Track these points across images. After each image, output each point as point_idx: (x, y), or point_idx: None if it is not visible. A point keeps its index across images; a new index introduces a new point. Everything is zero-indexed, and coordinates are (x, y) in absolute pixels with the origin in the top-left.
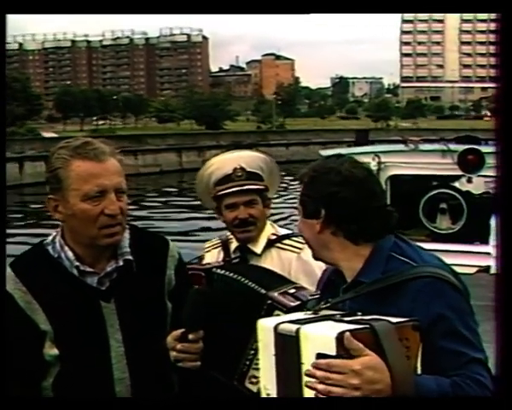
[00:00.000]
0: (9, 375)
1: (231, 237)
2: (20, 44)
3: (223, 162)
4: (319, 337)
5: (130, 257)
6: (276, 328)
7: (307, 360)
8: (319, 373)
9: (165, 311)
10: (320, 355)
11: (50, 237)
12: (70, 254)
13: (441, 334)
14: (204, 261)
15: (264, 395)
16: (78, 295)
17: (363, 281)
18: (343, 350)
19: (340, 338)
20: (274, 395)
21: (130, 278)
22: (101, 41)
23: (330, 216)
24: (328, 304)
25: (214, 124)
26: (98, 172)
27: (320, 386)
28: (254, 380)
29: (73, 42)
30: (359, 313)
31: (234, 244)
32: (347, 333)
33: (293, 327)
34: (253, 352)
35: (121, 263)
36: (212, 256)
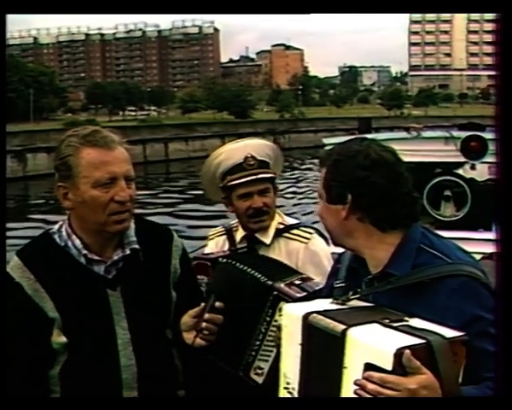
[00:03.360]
0: (17, 364)
1: (235, 225)
2: (35, 39)
3: (232, 152)
4: (373, 348)
5: (136, 246)
6: (306, 318)
7: (351, 365)
8: (371, 386)
9: (169, 300)
10: (369, 365)
11: (57, 226)
12: (78, 242)
13: (475, 334)
14: (207, 249)
15: (283, 383)
16: (85, 283)
17: (392, 273)
18: (399, 367)
19: (398, 355)
20: (295, 385)
21: (137, 267)
22: (114, 34)
23: (358, 201)
24: (357, 295)
25: (242, 113)
26: (108, 160)
27: (370, 386)
28: (260, 371)
29: (87, 35)
30: (406, 318)
31: (240, 233)
32: (408, 351)
33: (339, 327)
34: (258, 343)
35: (128, 252)
36: (217, 243)
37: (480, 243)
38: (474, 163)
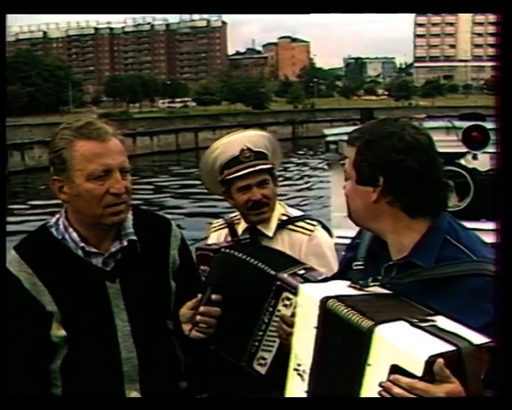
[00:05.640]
0: (17, 359)
1: (237, 218)
2: (45, 33)
3: (228, 145)
4: (403, 352)
5: (134, 237)
6: (324, 303)
7: (376, 363)
8: (396, 390)
9: (169, 290)
10: (396, 367)
11: (53, 219)
12: (75, 235)
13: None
14: (210, 241)
15: (293, 364)
16: (83, 275)
17: (415, 263)
18: (429, 374)
19: (430, 362)
20: (307, 368)
21: (135, 259)
22: (123, 28)
23: (390, 185)
24: (377, 283)
25: (260, 105)
26: (102, 152)
27: (396, 389)
28: (263, 362)
29: (96, 29)
30: (432, 316)
31: (242, 226)
32: (441, 360)
33: (366, 322)
34: (261, 333)
35: (125, 243)
36: (219, 236)
37: (482, 233)
38: (476, 153)
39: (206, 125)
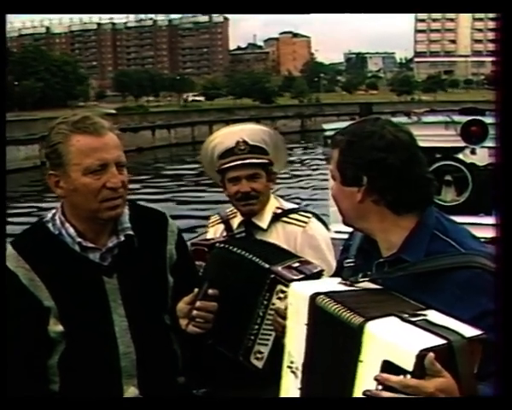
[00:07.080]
0: (15, 355)
1: (232, 213)
2: (47, 28)
3: (225, 136)
4: (394, 347)
5: (131, 232)
6: (313, 299)
7: (368, 359)
8: (387, 394)
9: (166, 285)
10: (387, 363)
11: (50, 215)
12: (71, 230)
13: (486, 328)
14: (208, 236)
15: (286, 362)
16: (80, 270)
17: (404, 258)
18: (420, 368)
19: (421, 356)
20: (299, 365)
21: (132, 253)
22: (125, 23)
23: (373, 184)
24: (367, 278)
25: (267, 99)
26: (98, 146)
27: (385, 394)
28: (260, 356)
29: (99, 24)
30: (422, 311)
31: (238, 219)
32: (431, 354)
33: (356, 319)
34: (257, 327)
35: (122, 238)
36: (216, 231)
37: (481, 228)
38: (475, 148)
39: (219, 118)
